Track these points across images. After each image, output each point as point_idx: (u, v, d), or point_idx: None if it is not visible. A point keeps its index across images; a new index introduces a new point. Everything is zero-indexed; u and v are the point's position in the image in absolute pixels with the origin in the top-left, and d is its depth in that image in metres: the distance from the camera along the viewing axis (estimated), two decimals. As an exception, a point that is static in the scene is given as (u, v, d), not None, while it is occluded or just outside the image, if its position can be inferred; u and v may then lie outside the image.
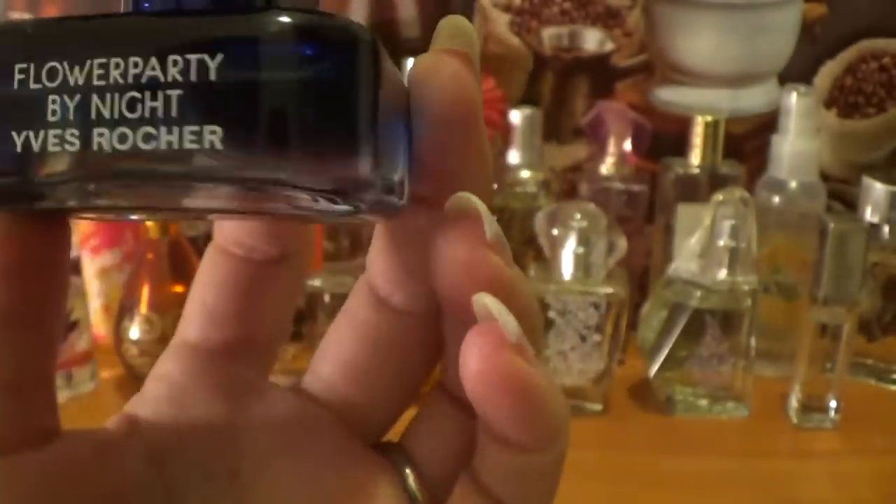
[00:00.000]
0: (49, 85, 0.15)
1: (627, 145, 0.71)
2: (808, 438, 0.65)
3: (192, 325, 0.21)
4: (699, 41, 0.76)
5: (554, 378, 0.18)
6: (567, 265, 0.63)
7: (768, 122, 0.75)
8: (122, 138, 0.14)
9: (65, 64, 0.15)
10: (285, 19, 0.14)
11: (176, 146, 0.14)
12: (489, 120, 0.71)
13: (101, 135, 0.14)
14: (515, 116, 0.71)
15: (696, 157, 0.71)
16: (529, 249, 0.71)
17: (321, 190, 0.15)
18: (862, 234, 0.62)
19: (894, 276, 0.71)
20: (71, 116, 0.15)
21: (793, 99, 0.68)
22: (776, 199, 0.70)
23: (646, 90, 0.78)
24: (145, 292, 0.65)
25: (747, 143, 0.77)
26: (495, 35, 0.76)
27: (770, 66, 0.77)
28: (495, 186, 0.72)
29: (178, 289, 0.65)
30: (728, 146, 0.72)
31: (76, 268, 0.74)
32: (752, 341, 0.65)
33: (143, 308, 0.65)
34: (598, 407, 0.66)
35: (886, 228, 0.69)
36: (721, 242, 0.63)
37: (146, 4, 0.16)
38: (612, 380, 0.66)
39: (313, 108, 0.14)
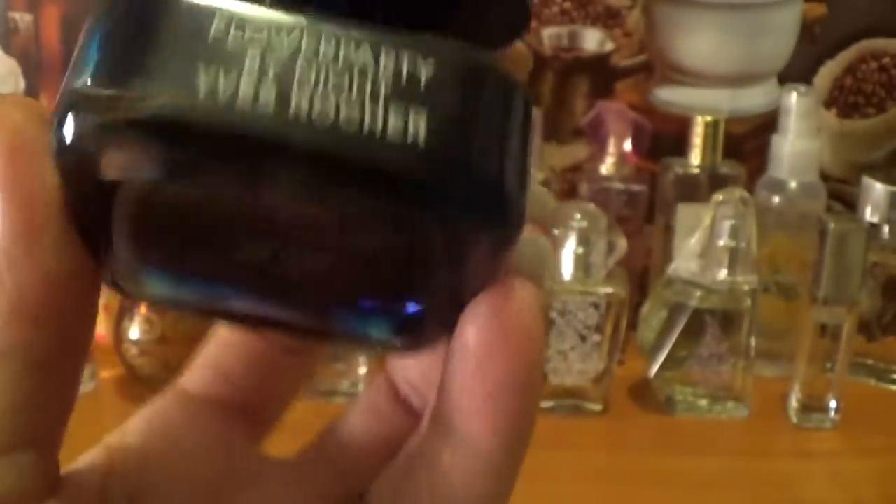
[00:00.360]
0: (249, 35, 0.14)
1: (627, 145, 0.71)
2: (808, 438, 0.65)
3: (201, 377, 0.21)
4: (699, 41, 0.76)
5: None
6: (567, 265, 0.63)
7: (768, 122, 0.75)
8: (332, 100, 0.14)
9: (270, 25, 0.14)
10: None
11: (378, 130, 0.14)
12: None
13: (301, 97, 0.14)
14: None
15: (696, 157, 0.71)
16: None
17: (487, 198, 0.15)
18: (862, 234, 0.62)
19: (894, 276, 0.71)
20: (270, 72, 0.14)
21: (793, 99, 0.68)
22: (776, 199, 0.70)
23: (646, 90, 0.78)
24: (145, 292, 0.65)
25: (747, 143, 0.77)
26: (495, 35, 0.76)
27: (770, 66, 0.77)
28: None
29: (178, 289, 0.65)
30: (728, 146, 0.72)
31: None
32: (752, 341, 0.65)
33: (143, 308, 0.65)
34: (598, 407, 0.66)
35: (886, 228, 0.69)
36: (721, 242, 0.63)
37: None
38: (612, 380, 0.66)
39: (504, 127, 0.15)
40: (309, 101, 0.14)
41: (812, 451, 0.64)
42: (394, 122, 0.14)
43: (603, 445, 0.64)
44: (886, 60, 0.77)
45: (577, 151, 0.79)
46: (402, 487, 0.19)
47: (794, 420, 0.66)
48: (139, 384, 0.64)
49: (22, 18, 0.77)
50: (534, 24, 0.76)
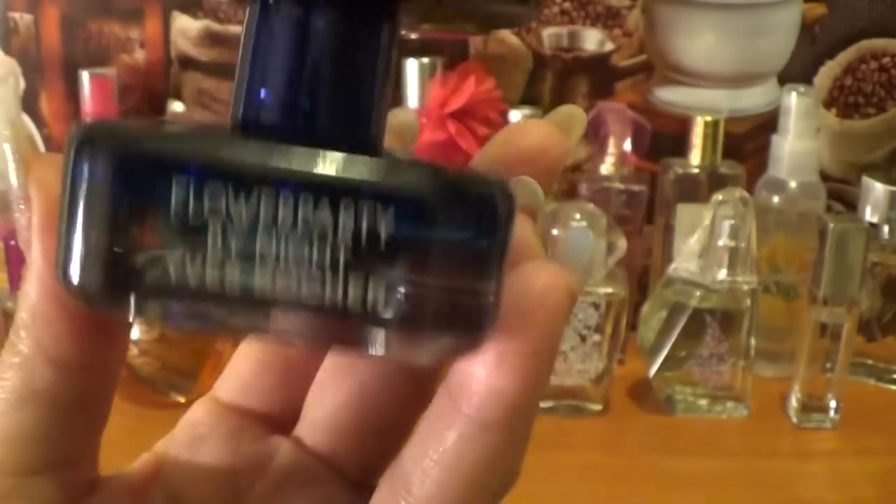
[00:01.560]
0: (211, 211, 0.14)
1: (627, 145, 0.71)
2: (808, 438, 0.65)
3: (225, 387, 0.23)
4: (699, 41, 0.76)
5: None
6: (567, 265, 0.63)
7: (768, 122, 0.75)
8: (285, 276, 0.14)
9: (229, 192, 0.14)
10: (448, 180, 0.15)
11: (339, 296, 0.14)
12: (489, 120, 0.71)
13: (267, 273, 0.14)
14: (515, 116, 0.71)
15: (695, 157, 0.71)
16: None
17: (466, 345, 0.15)
18: (862, 234, 0.62)
19: (894, 276, 0.71)
20: (233, 248, 0.14)
21: (793, 99, 0.68)
22: (776, 199, 0.70)
23: (646, 90, 0.78)
24: (145, 292, 0.65)
25: (747, 143, 0.77)
26: (495, 35, 0.77)
27: (770, 66, 0.77)
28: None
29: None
30: (728, 146, 0.72)
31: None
32: (752, 341, 0.65)
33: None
34: (598, 407, 0.66)
35: (886, 228, 0.69)
36: (721, 242, 0.63)
37: (261, 121, 0.16)
38: (612, 380, 0.66)
39: (469, 270, 0.15)
40: (272, 279, 0.14)
41: (812, 451, 0.64)
42: (353, 293, 0.14)
43: (603, 445, 0.64)
44: (886, 60, 0.77)
45: (577, 151, 0.79)
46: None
47: (794, 420, 0.66)
48: (139, 384, 0.64)
49: (22, 18, 0.77)
50: (534, 24, 0.76)
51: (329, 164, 0.14)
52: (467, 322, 0.15)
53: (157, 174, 0.14)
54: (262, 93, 0.16)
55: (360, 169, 0.14)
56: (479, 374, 0.16)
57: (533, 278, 0.17)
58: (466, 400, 0.16)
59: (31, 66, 0.77)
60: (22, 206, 0.16)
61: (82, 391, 0.18)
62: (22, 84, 0.77)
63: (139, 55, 0.77)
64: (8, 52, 0.77)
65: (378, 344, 0.15)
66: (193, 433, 0.23)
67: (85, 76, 0.71)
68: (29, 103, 0.77)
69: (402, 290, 0.14)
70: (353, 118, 0.16)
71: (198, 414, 0.23)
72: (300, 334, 0.16)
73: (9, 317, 0.66)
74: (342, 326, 0.15)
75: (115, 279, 0.15)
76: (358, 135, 0.16)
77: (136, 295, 0.15)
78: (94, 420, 0.19)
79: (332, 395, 0.22)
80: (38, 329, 0.17)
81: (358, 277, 0.14)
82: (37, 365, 0.17)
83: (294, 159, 0.14)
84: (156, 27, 0.76)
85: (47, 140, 0.79)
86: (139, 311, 0.15)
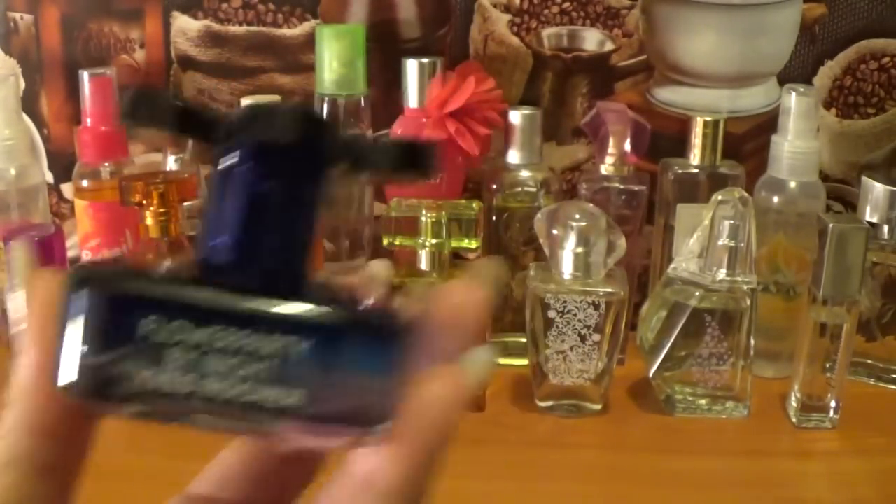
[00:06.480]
0: (171, 340, 0.19)
1: (627, 145, 0.71)
2: (807, 438, 0.65)
3: (202, 482, 0.25)
4: (699, 41, 0.76)
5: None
6: (567, 265, 0.63)
7: (768, 122, 0.75)
8: (231, 386, 0.19)
9: (186, 331, 0.19)
10: (352, 317, 0.20)
11: (270, 399, 0.19)
12: (489, 120, 0.71)
13: (212, 383, 0.19)
14: (515, 116, 0.71)
15: (695, 157, 0.71)
16: (529, 249, 0.71)
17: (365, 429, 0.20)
18: (862, 234, 0.62)
19: (894, 276, 0.71)
20: (188, 366, 0.19)
21: (793, 99, 0.68)
22: (776, 199, 0.70)
23: (646, 90, 0.78)
24: (145, 292, 0.65)
25: (747, 143, 0.77)
26: (495, 35, 0.77)
27: (770, 66, 0.77)
28: (494, 187, 0.72)
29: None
30: (728, 146, 0.72)
31: (76, 268, 0.74)
32: (752, 341, 0.65)
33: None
34: (597, 407, 0.67)
35: (886, 228, 0.69)
36: (721, 242, 0.63)
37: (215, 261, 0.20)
38: (612, 380, 0.66)
39: (366, 384, 0.20)
40: (213, 387, 0.19)
41: (812, 451, 0.64)
42: (273, 396, 0.19)
43: (602, 445, 0.64)
44: (886, 60, 0.77)
45: (577, 151, 0.79)
46: None
47: (794, 420, 0.66)
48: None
49: (22, 19, 0.77)
50: (534, 24, 0.76)
51: (257, 305, 0.19)
52: (365, 421, 0.20)
53: (128, 311, 0.19)
54: (215, 241, 0.21)
55: (281, 307, 0.19)
56: (375, 462, 0.20)
57: (426, 388, 0.20)
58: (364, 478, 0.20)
59: (31, 67, 0.77)
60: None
61: (55, 460, 0.20)
62: (22, 84, 0.77)
63: (139, 55, 0.77)
64: (8, 52, 0.77)
65: (293, 436, 0.20)
66: None
67: (85, 76, 0.71)
68: (29, 103, 0.77)
69: (313, 396, 0.19)
70: (287, 261, 0.21)
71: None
72: (234, 428, 0.21)
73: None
74: (267, 421, 0.20)
75: (93, 387, 0.19)
76: (290, 273, 0.21)
77: (109, 398, 0.19)
78: (66, 488, 0.21)
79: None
80: (23, 402, 0.20)
81: (279, 385, 0.19)
82: (19, 434, 0.20)
83: (232, 302, 0.19)
84: (156, 27, 0.77)
85: (47, 140, 0.79)
86: (113, 411, 0.20)
